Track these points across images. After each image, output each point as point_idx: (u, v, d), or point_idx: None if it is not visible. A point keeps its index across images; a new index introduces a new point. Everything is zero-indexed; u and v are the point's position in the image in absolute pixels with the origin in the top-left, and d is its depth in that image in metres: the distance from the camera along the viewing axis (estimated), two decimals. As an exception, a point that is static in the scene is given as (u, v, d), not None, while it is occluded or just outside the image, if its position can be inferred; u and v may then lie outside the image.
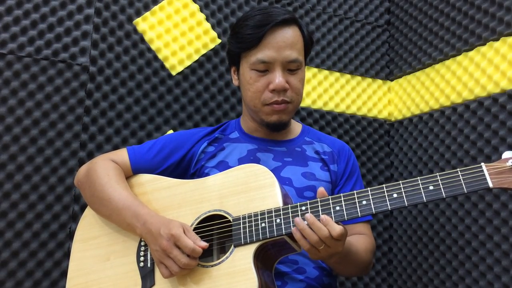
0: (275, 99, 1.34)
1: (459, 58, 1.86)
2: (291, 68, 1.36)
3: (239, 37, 1.37)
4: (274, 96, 1.34)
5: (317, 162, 1.45)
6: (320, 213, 1.12)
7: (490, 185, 1.01)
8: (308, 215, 1.09)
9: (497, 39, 1.70)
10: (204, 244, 1.14)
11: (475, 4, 1.80)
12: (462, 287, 1.72)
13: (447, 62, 1.92)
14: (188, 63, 1.88)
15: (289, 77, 1.36)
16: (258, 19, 1.34)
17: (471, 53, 1.81)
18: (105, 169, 1.35)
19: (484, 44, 1.75)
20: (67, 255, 1.63)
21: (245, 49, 1.36)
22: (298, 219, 1.10)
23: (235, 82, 1.48)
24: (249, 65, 1.36)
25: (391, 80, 2.24)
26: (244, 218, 1.18)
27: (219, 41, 1.93)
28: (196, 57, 1.90)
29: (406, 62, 2.15)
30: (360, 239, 1.37)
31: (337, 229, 1.07)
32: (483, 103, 1.71)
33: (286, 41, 1.34)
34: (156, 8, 1.86)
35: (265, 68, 1.34)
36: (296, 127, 1.54)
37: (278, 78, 1.33)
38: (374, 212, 1.09)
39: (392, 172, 2.16)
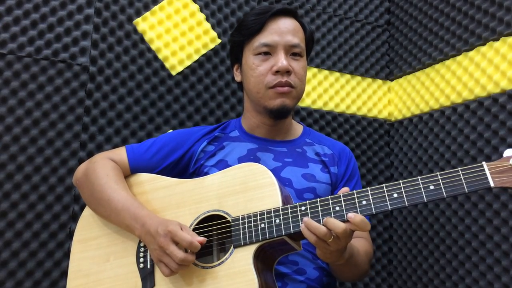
0: (278, 80, 1.36)
1: (459, 58, 1.86)
2: (294, 51, 1.39)
3: (242, 26, 1.42)
4: (278, 77, 1.36)
5: (317, 163, 1.45)
6: (320, 213, 1.11)
7: (492, 184, 1.00)
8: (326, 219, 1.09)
9: (497, 39, 1.70)
10: (202, 238, 1.13)
11: (475, 4, 1.80)
12: (462, 287, 1.72)
13: (447, 62, 1.92)
14: (188, 63, 1.88)
15: (292, 62, 1.38)
16: (260, 8, 1.42)
17: (471, 53, 1.80)
18: (104, 169, 1.34)
19: (484, 44, 1.75)
20: (67, 255, 1.62)
21: (249, 36, 1.40)
22: (306, 218, 1.10)
23: (237, 79, 1.50)
24: (252, 51, 1.39)
25: (391, 80, 2.24)
26: (243, 218, 1.17)
27: (219, 41, 1.93)
28: (196, 57, 1.89)
29: (406, 62, 2.15)
30: (360, 242, 1.37)
31: (340, 227, 1.07)
32: (483, 103, 1.71)
33: (288, 27, 1.40)
34: (156, 8, 1.86)
35: (268, 51, 1.37)
36: (297, 128, 1.54)
37: (281, 60, 1.35)
38: (374, 212, 1.08)
39: (392, 172, 2.16)
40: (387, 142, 2.19)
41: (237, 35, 1.44)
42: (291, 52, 1.39)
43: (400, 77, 2.19)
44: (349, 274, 1.35)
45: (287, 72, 1.36)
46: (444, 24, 1.95)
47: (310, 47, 1.50)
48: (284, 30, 1.38)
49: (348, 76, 2.16)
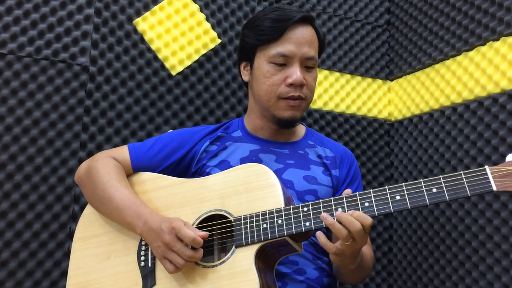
0: (291, 94, 1.35)
1: (459, 58, 1.86)
2: (308, 65, 1.38)
3: (259, 30, 1.38)
4: (291, 90, 1.35)
5: (319, 166, 1.45)
6: (323, 214, 1.12)
7: (494, 188, 1.00)
8: (338, 212, 1.09)
9: (497, 39, 1.70)
10: (204, 233, 1.14)
11: (475, 4, 1.80)
12: (462, 287, 1.72)
13: (447, 62, 1.92)
14: (188, 63, 1.88)
15: (305, 74, 1.38)
16: (278, 14, 1.38)
17: (471, 53, 1.81)
18: (106, 167, 1.34)
19: (484, 44, 1.75)
20: (67, 255, 1.62)
21: (265, 42, 1.37)
22: (325, 214, 1.09)
23: (245, 78, 1.48)
24: (267, 58, 1.37)
25: (391, 80, 2.24)
26: (245, 218, 1.18)
27: (219, 41, 1.93)
28: (196, 57, 1.89)
29: (406, 62, 2.15)
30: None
31: (369, 220, 1.07)
32: (483, 103, 1.71)
33: (306, 37, 1.37)
34: (156, 8, 1.86)
35: (284, 62, 1.36)
36: (300, 129, 1.54)
37: (296, 73, 1.34)
38: (376, 214, 1.09)
39: (392, 172, 2.16)
40: (387, 142, 2.19)
41: (251, 37, 1.40)
42: (306, 64, 1.38)
43: (400, 77, 2.19)
44: (357, 279, 1.38)
45: (301, 85, 1.36)
46: (444, 24, 1.95)
47: (321, 53, 1.49)
48: (301, 41, 1.36)
49: (348, 76, 2.16)
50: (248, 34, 1.42)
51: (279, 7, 1.41)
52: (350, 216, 1.07)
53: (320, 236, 1.11)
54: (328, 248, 1.11)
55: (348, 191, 1.14)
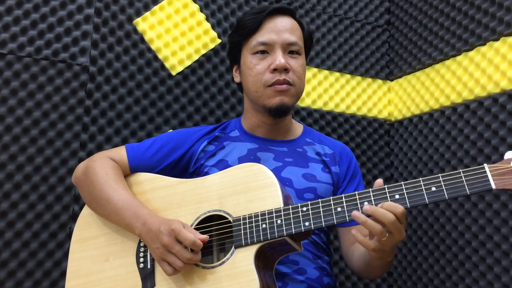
0: (276, 78, 1.36)
1: (459, 58, 1.86)
2: (292, 49, 1.39)
3: (240, 26, 1.43)
4: (276, 75, 1.36)
5: (318, 163, 1.45)
6: (322, 214, 1.12)
7: (493, 186, 1.00)
8: (367, 206, 1.06)
9: (497, 39, 1.70)
10: (204, 236, 1.13)
11: (475, 4, 1.80)
12: (462, 287, 1.72)
13: (447, 62, 1.92)
14: (188, 63, 1.88)
15: (289, 59, 1.38)
16: (257, 8, 1.43)
17: (471, 53, 1.81)
18: (103, 168, 1.34)
19: (484, 44, 1.75)
20: (67, 255, 1.60)
21: (246, 35, 1.41)
22: (356, 212, 1.07)
23: (236, 80, 1.50)
24: (249, 50, 1.40)
25: (391, 80, 2.24)
26: (244, 219, 1.17)
27: (219, 41, 1.93)
28: (196, 57, 1.89)
29: (406, 62, 2.15)
30: None
31: (400, 207, 1.05)
32: (483, 103, 1.71)
33: (285, 25, 1.40)
34: (156, 8, 1.86)
35: (265, 49, 1.38)
36: (297, 127, 1.54)
37: (278, 58, 1.36)
38: None
39: (392, 172, 2.16)
40: (387, 142, 2.19)
41: (235, 35, 1.45)
42: (289, 50, 1.39)
43: (400, 77, 2.19)
44: (382, 271, 1.33)
45: (285, 70, 1.36)
46: (444, 24, 1.95)
47: (309, 46, 1.50)
48: (281, 29, 1.38)
49: (348, 76, 2.16)
50: (232, 35, 1.47)
51: (262, 5, 1.45)
52: (381, 208, 1.05)
53: (357, 234, 1.09)
54: (367, 245, 1.09)
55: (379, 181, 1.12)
